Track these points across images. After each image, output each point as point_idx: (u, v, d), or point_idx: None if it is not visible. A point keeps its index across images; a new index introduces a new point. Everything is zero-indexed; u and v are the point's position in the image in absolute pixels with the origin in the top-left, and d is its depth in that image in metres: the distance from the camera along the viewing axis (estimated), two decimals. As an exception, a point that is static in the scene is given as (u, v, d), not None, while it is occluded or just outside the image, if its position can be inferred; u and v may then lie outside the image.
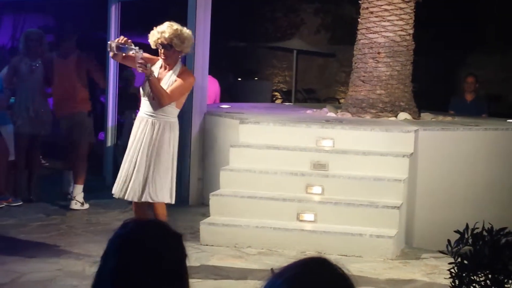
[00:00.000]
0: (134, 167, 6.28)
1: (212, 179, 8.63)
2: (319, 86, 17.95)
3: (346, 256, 6.93)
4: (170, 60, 6.35)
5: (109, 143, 10.46)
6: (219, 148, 8.83)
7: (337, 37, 17.35)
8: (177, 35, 6.28)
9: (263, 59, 18.43)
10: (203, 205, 8.43)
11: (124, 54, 6.28)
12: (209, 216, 7.60)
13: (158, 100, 6.22)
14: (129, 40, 6.29)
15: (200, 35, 9.08)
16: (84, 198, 8.79)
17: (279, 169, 7.83)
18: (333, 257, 6.60)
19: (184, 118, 9.29)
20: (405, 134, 7.98)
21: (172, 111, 6.36)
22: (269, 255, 6.97)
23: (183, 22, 9.46)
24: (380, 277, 6.47)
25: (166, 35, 6.26)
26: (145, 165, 6.24)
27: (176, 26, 6.36)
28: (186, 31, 6.42)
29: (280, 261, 6.71)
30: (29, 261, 6.34)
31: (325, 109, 10.08)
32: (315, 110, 10.23)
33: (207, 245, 7.20)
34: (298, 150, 7.97)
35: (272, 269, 2.98)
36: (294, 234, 7.23)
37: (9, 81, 9.02)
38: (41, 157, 10.15)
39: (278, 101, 17.29)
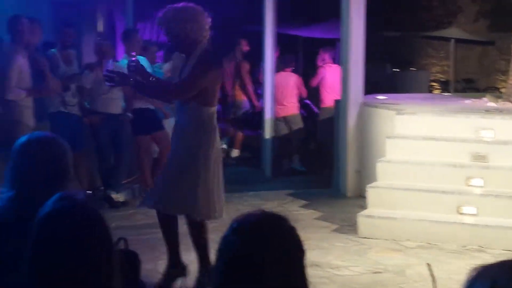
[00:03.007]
0: None
1: (369, 171, 8.58)
2: (478, 76, 17.45)
3: (510, 251, 6.71)
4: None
5: (267, 135, 10.62)
6: (375, 139, 8.76)
7: (496, 24, 16.79)
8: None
9: (419, 49, 18.12)
10: (361, 197, 8.41)
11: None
12: (366, 208, 7.57)
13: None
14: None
15: (355, 25, 9.04)
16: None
17: (437, 160, 7.69)
18: (496, 252, 6.44)
19: (340, 109, 9.31)
20: None
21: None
22: (428, 249, 6.86)
23: (337, 13, 9.53)
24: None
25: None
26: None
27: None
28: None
29: (439, 255, 6.61)
30: (192, 251, 6.53)
31: (484, 99, 9.80)
32: (474, 100, 9.96)
33: (365, 237, 7.17)
34: (456, 141, 7.79)
35: (428, 264, 2.93)
36: (454, 227, 7.07)
37: (170, 75, 9.32)
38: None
39: (436, 92, 16.94)
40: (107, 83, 5.64)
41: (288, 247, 2.14)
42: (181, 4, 5.53)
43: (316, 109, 11.96)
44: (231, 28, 14.85)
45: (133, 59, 5.56)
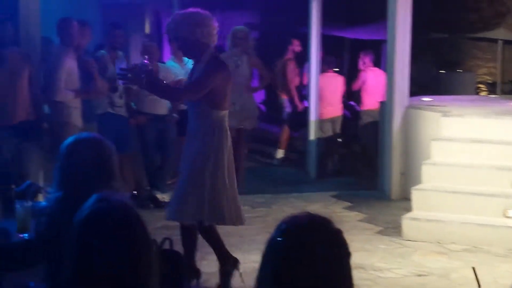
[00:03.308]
0: None
1: (414, 173, 8.54)
2: (526, 77, 17.22)
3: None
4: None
5: (311, 136, 10.63)
6: (420, 141, 8.72)
7: (546, 25, 16.57)
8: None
9: (466, 50, 17.93)
10: (405, 199, 8.37)
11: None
12: (411, 210, 7.54)
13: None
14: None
15: (401, 27, 9.01)
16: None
17: (484, 163, 7.62)
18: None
19: (385, 111, 9.28)
20: None
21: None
22: (473, 252, 6.81)
23: (383, 14, 9.51)
24: None
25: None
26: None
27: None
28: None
29: (485, 259, 6.56)
30: (235, 251, 6.58)
31: (532, 101, 9.70)
32: (521, 102, 9.86)
33: (409, 240, 7.15)
34: (503, 143, 7.72)
35: (473, 267, 2.92)
36: (500, 231, 7.01)
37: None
38: (246, 151, 10.49)
39: (483, 94, 16.76)
40: (120, 81, 5.71)
41: (335, 249, 2.16)
42: (189, 10, 5.61)
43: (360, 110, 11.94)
44: (284, 29, 14.93)
45: (145, 61, 5.63)
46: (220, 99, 5.54)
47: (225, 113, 5.61)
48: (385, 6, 9.23)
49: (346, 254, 2.18)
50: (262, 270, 2.18)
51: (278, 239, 2.16)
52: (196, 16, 5.53)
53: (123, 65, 5.53)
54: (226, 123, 5.63)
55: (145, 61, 5.68)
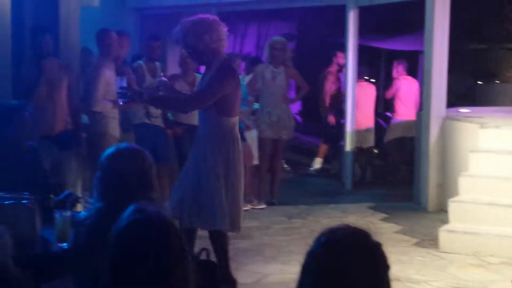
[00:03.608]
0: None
1: (451, 185, 8.49)
2: None
3: None
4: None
5: (348, 147, 10.61)
6: (457, 153, 8.66)
7: None
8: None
9: (503, 61, 17.78)
10: (442, 211, 8.32)
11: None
12: (448, 222, 7.49)
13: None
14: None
15: (438, 38, 8.98)
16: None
17: (522, 175, 7.55)
18: None
19: (422, 121, 9.23)
20: None
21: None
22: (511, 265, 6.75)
23: (420, 25, 9.47)
24: None
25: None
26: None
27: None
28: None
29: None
30: (272, 262, 6.61)
31: None
32: (561, 113, 9.74)
33: (446, 252, 7.09)
34: (543, 156, 7.64)
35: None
36: (538, 244, 6.94)
37: (253, 87, 9.43)
38: (283, 161, 10.50)
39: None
40: (120, 100, 5.74)
41: (374, 262, 2.17)
42: (196, 16, 5.62)
43: (395, 121, 11.87)
44: (322, 40, 14.94)
45: (163, 79, 5.78)
46: (230, 106, 5.55)
47: (235, 119, 5.64)
48: (423, 16, 9.19)
49: (385, 267, 2.19)
50: (301, 282, 2.20)
51: (318, 251, 2.18)
52: (203, 22, 5.55)
53: (123, 84, 5.57)
54: (237, 130, 5.65)
55: (163, 78, 5.78)
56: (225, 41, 5.60)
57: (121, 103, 5.94)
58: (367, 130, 11.35)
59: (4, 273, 2.97)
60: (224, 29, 5.59)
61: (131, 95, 5.55)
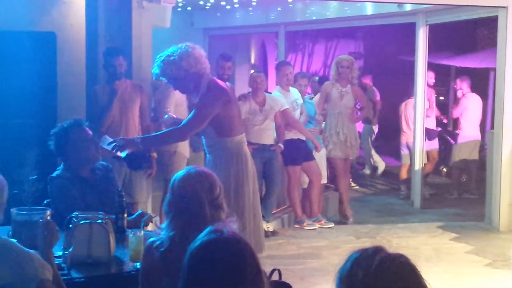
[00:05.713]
0: None
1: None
2: None
3: None
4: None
5: (417, 166, 10.50)
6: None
7: None
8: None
9: None
10: (515, 231, 8.18)
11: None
12: (521, 243, 7.36)
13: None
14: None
15: (511, 55, 8.83)
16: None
17: None
18: None
19: (494, 140, 9.08)
20: None
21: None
22: None
23: (492, 43, 9.33)
24: None
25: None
26: None
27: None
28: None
29: None
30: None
31: None
32: None
33: (519, 273, 6.97)
34: None
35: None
36: None
37: (321, 106, 9.43)
38: (351, 180, 10.44)
39: None
40: (114, 151, 5.64)
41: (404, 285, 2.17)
42: (169, 48, 5.57)
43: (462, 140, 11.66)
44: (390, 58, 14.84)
45: (170, 114, 5.93)
46: (227, 126, 5.52)
47: (240, 138, 5.61)
48: (494, 34, 9.07)
49: None
50: None
51: (350, 271, 2.21)
52: (176, 51, 5.52)
53: (107, 141, 5.53)
54: (245, 148, 5.61)
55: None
56: (205, 62, 5.55)
57: (122, 156, 5.86)
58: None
59: None
60: (199, 51, 5.56)
61: (124, 144, 5.52)
